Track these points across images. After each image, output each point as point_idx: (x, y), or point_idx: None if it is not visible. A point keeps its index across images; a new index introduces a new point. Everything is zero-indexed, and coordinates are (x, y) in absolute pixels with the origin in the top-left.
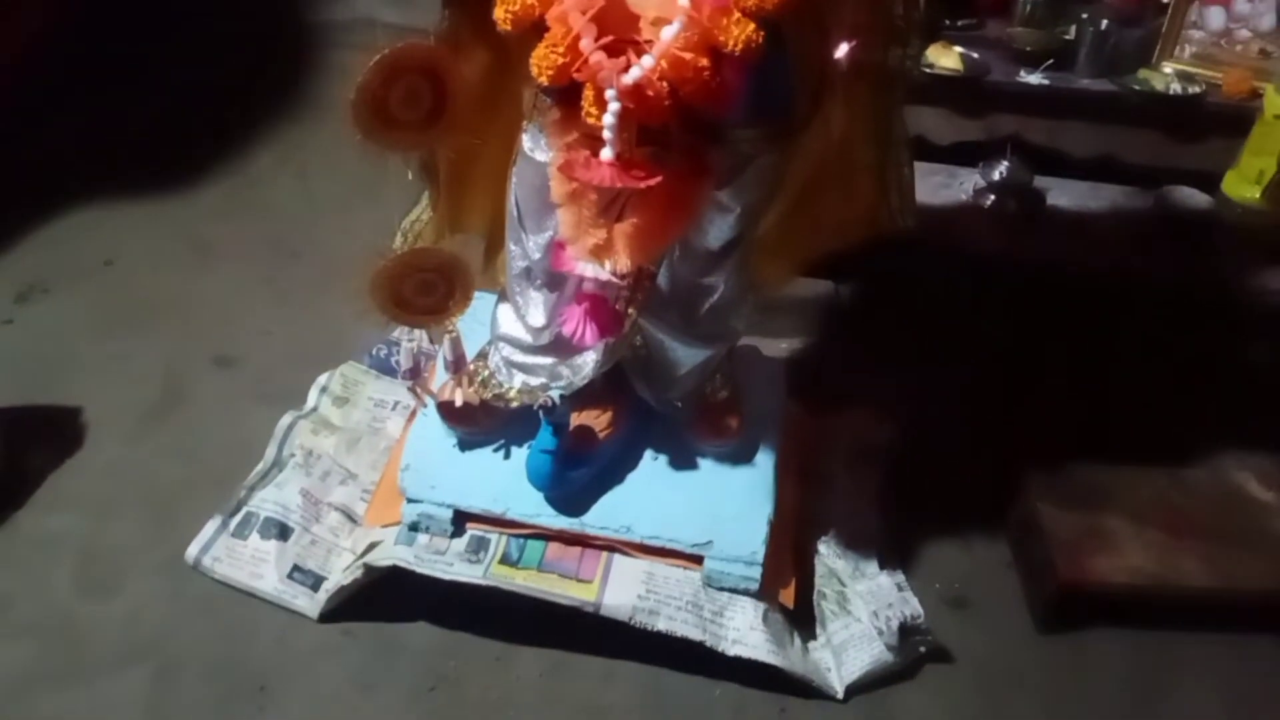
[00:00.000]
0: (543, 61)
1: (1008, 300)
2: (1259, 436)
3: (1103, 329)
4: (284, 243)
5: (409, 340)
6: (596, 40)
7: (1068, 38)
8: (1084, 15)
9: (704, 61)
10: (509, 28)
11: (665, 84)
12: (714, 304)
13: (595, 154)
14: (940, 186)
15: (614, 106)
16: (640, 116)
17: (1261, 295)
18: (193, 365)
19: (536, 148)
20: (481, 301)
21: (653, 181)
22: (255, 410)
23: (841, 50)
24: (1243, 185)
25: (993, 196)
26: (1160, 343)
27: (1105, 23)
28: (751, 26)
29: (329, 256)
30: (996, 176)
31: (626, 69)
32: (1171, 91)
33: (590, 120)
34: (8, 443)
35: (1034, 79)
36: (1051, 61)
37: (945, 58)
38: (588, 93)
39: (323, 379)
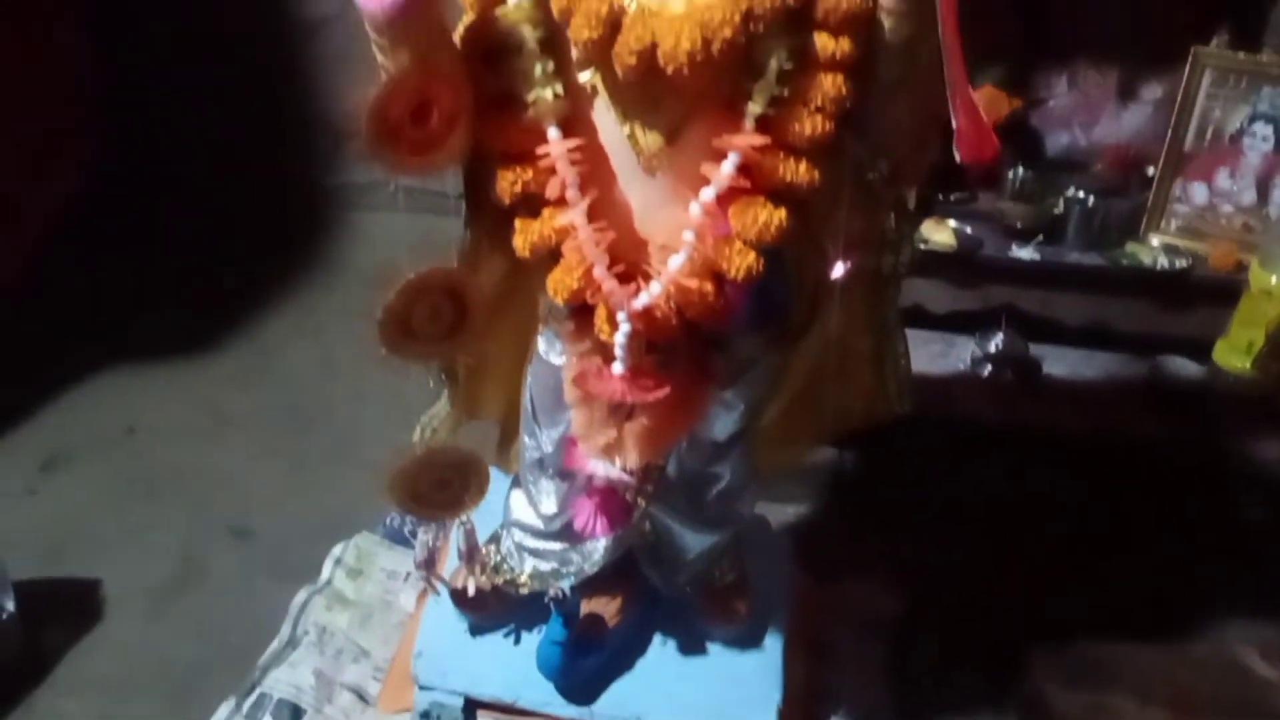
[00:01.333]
0: (559, 284)
1: (1007, 469)
2: (1261, 608)
3: (1102, 498)
4: (300, 409)
5: (424, 533)
6: (609, 268)
7: (1057, 211)
8: (1071, 191)
9: (709, 287)
10: (528, 254)
11: (672, 306)
12: (720, 491)
13: (607, 361)
14: (938, 355)
15: (625, 328)
16: (649, 335)
17: (1256, 463)
18: (210, 537)
19: (551, 350)
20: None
21: (661, 393)
22: (271, 585)
23: (838, 270)
24: (1233, 355)
25: (990, 366)
26: (1159, 512)
27: (1092, 199)
28: (753, 255)
29: (345, 423)
30: (993, 348)
31: (636, 294)
32: (1159, 266)
33: (603, 337)
34: (26, 619)
35: (1025, 254)
36: (1041, 238)
37: (939, 233)
38: (601, 311)
39: (337, 550)
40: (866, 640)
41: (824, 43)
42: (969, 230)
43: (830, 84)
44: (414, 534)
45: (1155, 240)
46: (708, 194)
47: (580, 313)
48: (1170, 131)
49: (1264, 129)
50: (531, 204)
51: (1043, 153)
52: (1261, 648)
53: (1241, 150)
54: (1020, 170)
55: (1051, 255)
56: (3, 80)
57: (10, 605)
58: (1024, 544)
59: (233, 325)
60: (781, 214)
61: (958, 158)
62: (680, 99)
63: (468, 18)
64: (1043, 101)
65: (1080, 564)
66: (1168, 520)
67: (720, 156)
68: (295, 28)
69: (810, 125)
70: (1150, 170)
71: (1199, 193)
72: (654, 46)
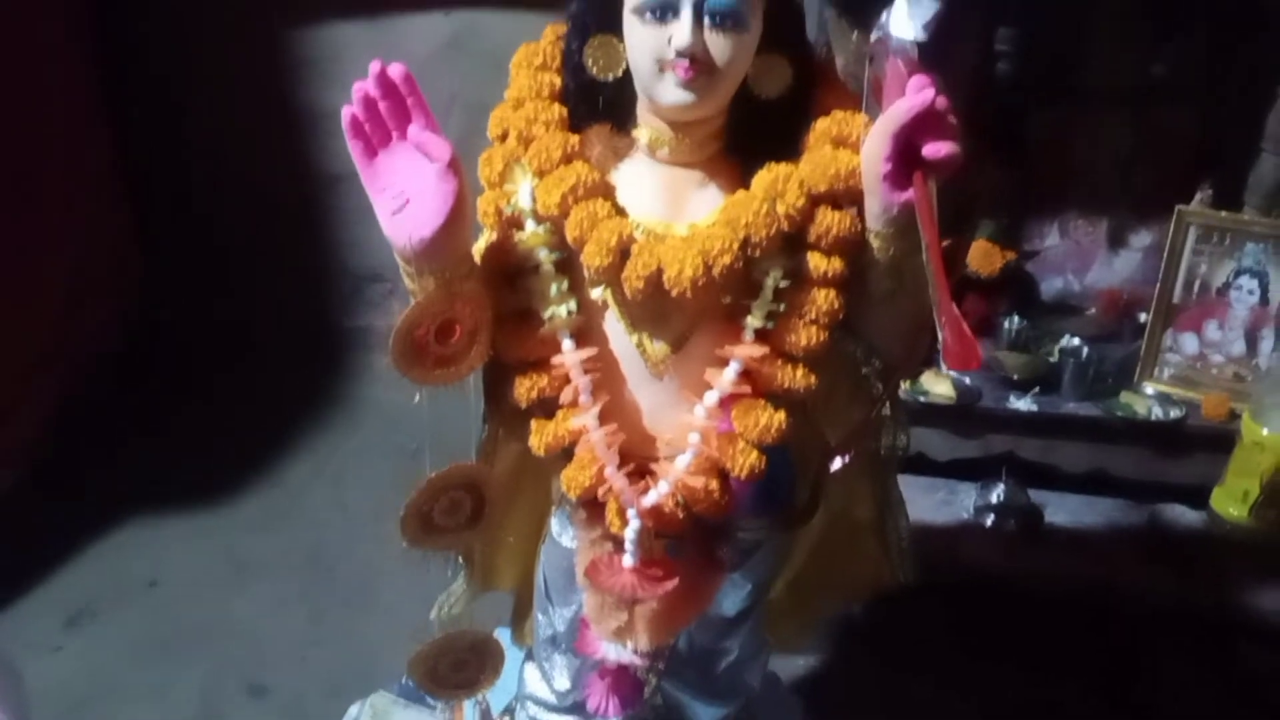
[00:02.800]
0: (572, 481)
1: (1012, 617)
2: None
3: (1105, 646)
4: (319, 556)
5: (441, 713)
6: (619, 467)
7: (1052, 360)
8: (1065, 339)
9: (714, 485)
10: (543, 453)
11: (680, 503)
12: (730, 664)
13: (617, 549)
14: (941, 504)
15: (635, 524)
16: (658, 529)
17: (1256, 611)
18: (227, 696)
19: (564, 534)
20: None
21: (670, 585)
22: None
23: (837, 464)
24: (1230, 503)
25: (992, 516)
26: (1162, 660)
27: (1085, 349)
28: (755, 454)
29: (363, 569)
30: (994, 498)
31: (645, 492)
32: (1153, 416)
33: (614, 530)
34: None
35: (1023, 405)
36: (1038, 389)
37: (939, 385)
38: (612, 505)
39: (353, 710)
40: None
41: (817, 262)
42: (967, 381)
43: (824, 299)
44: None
45: (1149, 389)
46: (711, 398)
47: (592, 503)
48: (1159, 284)
49: (1249, 282)
50: (547, 406)
51: (1038, 297)
52: None
53: (1229, 302)
54: (1015, 320)
55: (1048, 405)
56: (36, 237)
57: None
58: (1031, 692)
59: (253, 470)
60: (781, 416)
61: (944, 368)
62: (684, 313)
63: (487, 235)
64: (1036, 252)
65: (1085, 713)
66: (1171, 668)
67: (723, 363)
68: (318, 181)
69: (806, 336)
70: (1142, 316)
71: (1189, 343)
72: (660, 272)
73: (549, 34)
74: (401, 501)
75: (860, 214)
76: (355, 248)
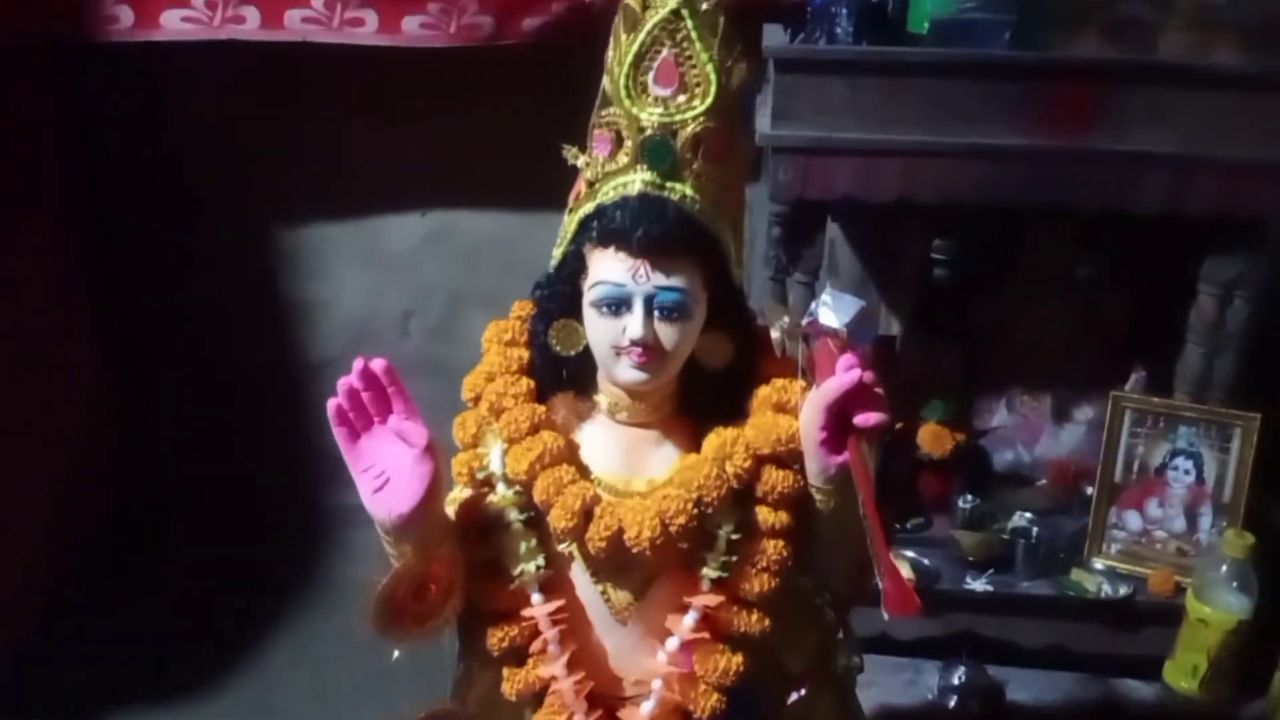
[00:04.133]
0: None
1: None
2: None
3: None
4: None
5: None
6: (588, 712)
7: (1005, 537)
8: (1016, 518)
9: None
10: (514, 699)
11: None
12: None
13: None
14: (907, 684)
15: None
16: None
17: None
18: None
19: None
20: None
21: None
22: None
23: (794, 698)
24: (1181, 677)
25: (955, 697)
26: None
27: (1035, 530)
28: (715, 695)
29: None
30: (956, 680)
31: None
32: (1103, 594)
33: None
34: None
35: (979, 585)
36: (992, 570)
37: (900, 567)
38: None
39: None
40: None
41: (765, 515)
42: (926, 562)
43: (773, 548)
44: None
45: (1098, 564)
46: (673, 644)
47: None
48: (1100, 465)
49: (1185, 463)
50: (518, 653)
51: (991, 471)
52: None
53: (1167, 481)
54: (969, 498)
55: (1003, 585)
56: (28, 428)
57: None
58: None
59: (234, 659)
60: (739, 658)
61: (885, 616)
62: (645, 565)
63: (459, 491)
64: (986, 431)
65: None
66: None
67: (683, 610)
68: (301, 368)
69: (759, 583)
70: (1089, 489)
71: (1133, 520)
72: (621, 531)
73: (516, 310)
74: None
75: (802, 471)
76: (331, 431)
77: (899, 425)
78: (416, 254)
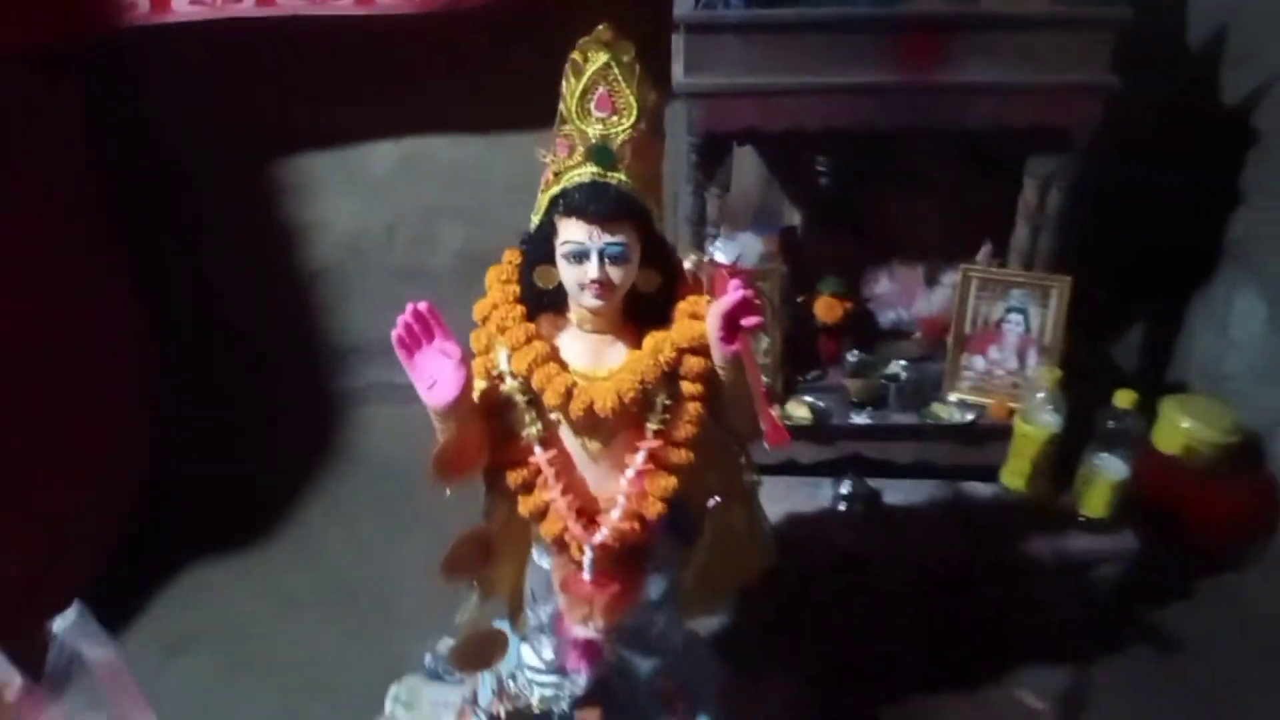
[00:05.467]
0: (547, 530)
1: (860, 578)
2: (1035, 660)
3: (928, 594)
4: (346, 585)
5: (469, 680)
6: (576, 520)
7: (883, 381)
8: (892, 366)
9: (636, 526)
10: (527, 516)
11: (616, 539)
12: (659, 631)
13: (579, 569)
14: (808, 496)
15: (589, 554)
16: (603, 555)
17: (1031, 556)
18: (300, 697)
19: (542, 559)
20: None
21: (614, 589)
22: None
23: (712, 503)
24: (1013, 479)
25: (844, 503)
26: (968, 598)
27: (904, 375)
28: (660, 504)
29: (382, 591)
30: (844, 490)
31: (594, 534)
32: (954, 420)
33: (575, 558)
34: None
35: (862, 419)
36: (872, 408)
37: (800, 410)
38: (573, 543)
39: (394, 689)
40: (774, 717)
41: (686, 387)
42: (821, 405)
43: (693, 408)
44: (449, 674)
45: (952, 397)
46: (630, 473)
47: (560, 542)
48: (954, 320)
49: (1016, 317)
50: (528, 485)
51: (877, 328)
52: (1035, 689)
53: (1003, 332)
54: (856, 353)
55: (880, 418)
56: (75, 338)
57: None
58: (879, 632)
59: (284, 520)
60: (674, 480)
61: (767, 447)
62: (609, 424)
63: (479, 384)
64: (871, 298)
65: (917, 641)
66: (974, 602)
67: (635, 451)
68: (304, 277)
69: (684, 431)
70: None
71: (979, 362)
72: (591, 404)
73: (508, 257)
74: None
75: (709, 357)
76: (335, 328)
77: (800, 299)
78: (395, 178)
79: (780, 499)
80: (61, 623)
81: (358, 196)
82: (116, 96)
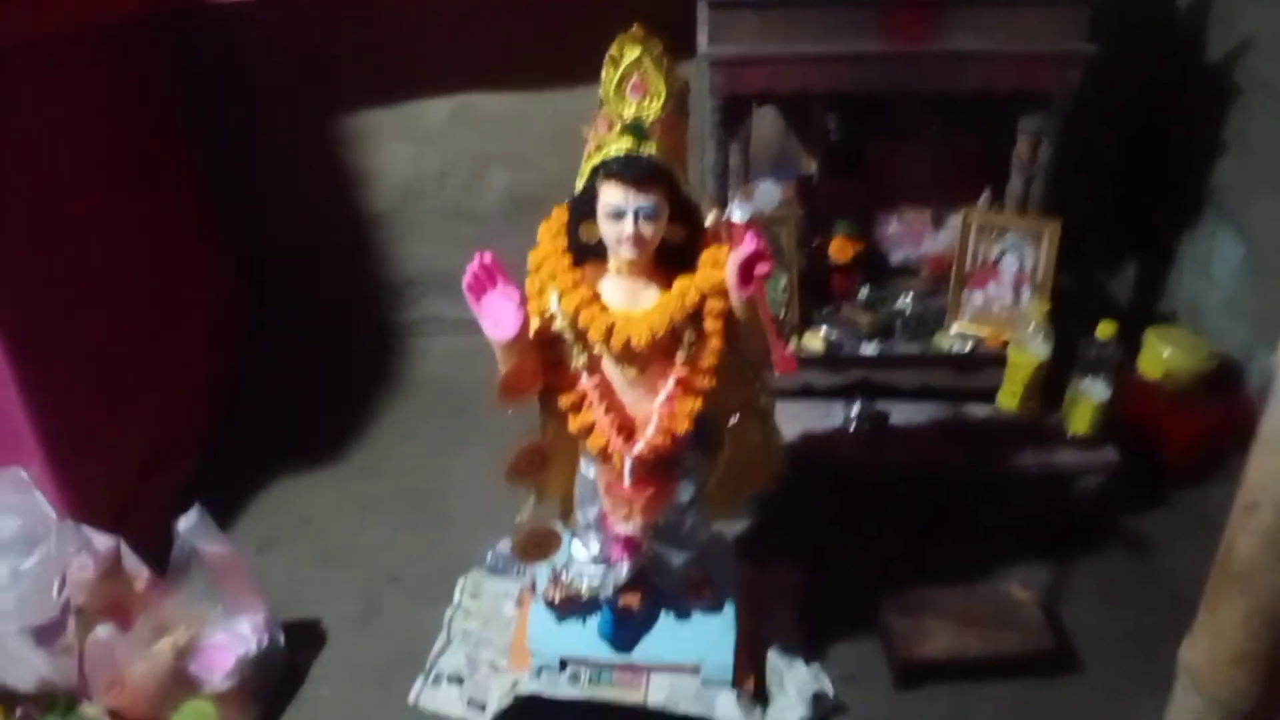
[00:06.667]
0: (593, 444)
1: (870, 489)
2: (1021, 557)
3: (928, 500)
4: (412, 493)
5: (529, 570)
6: (617, 434)
7: (891, 315)
8: (900, 300)
9: (668, 439)
10: (576, 431)
11: (651, 449)
12: (689, 528)
13: (620, 475)
14: (821, 418)
15: (628, 463)
16: (640, 463)
17: (1022, 467)
18: (377, 586)
19: (589, 469)
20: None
21: (650, 491)
22: (424, 609)
23: (733, 420)
24: (1007, 399)
25: (855, 423)
26: (963, 504)
27: (909, 308)
28: (687, 421)
29: (444, 498)
30: (854, 412)
31: (632, 446)
32: (954, 350)
33: (617, 466)
34: (287, 647)
35: (871, 349)
36: (878, 340)
37: (814, 341)
38: (615, 454)
39: (460, 581)
40: (787, 602)
41: (708, 325)
42: (834, 336)
43: (714, 342)
44: (508, 569)
45: (954, 328)
46: (662, 396)
47: (604, 453)
48: (956, 260)
49: (1011, 258)
50: (577, 406)
51: (888, 266)
52: (1020, 581)
53: (1000, 270)
54: (866, 289)
55: (887, 349)
56: (180, 297)
57: (281, 639)
58: (882, 534)
59: (354, 435)
60: (699, 402)
61: (776, 374)
62: (643, 356)
63: (535, 321)
64: (881, 238)
65: (915, 542)
66: (968, 508)
67: (666, 377)
68: (365, 219)
69: (707, 361)
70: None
71: (978, 297)
72: (629, 339)
73: (557, 213)
74: (504, 460)
75: (728, 299)
76: (395, 264)
77: (816, 241)
78: (446, 128)
79: (796, 420)
80: (185, 522)
81: (413, 145)
82: (203, 57)
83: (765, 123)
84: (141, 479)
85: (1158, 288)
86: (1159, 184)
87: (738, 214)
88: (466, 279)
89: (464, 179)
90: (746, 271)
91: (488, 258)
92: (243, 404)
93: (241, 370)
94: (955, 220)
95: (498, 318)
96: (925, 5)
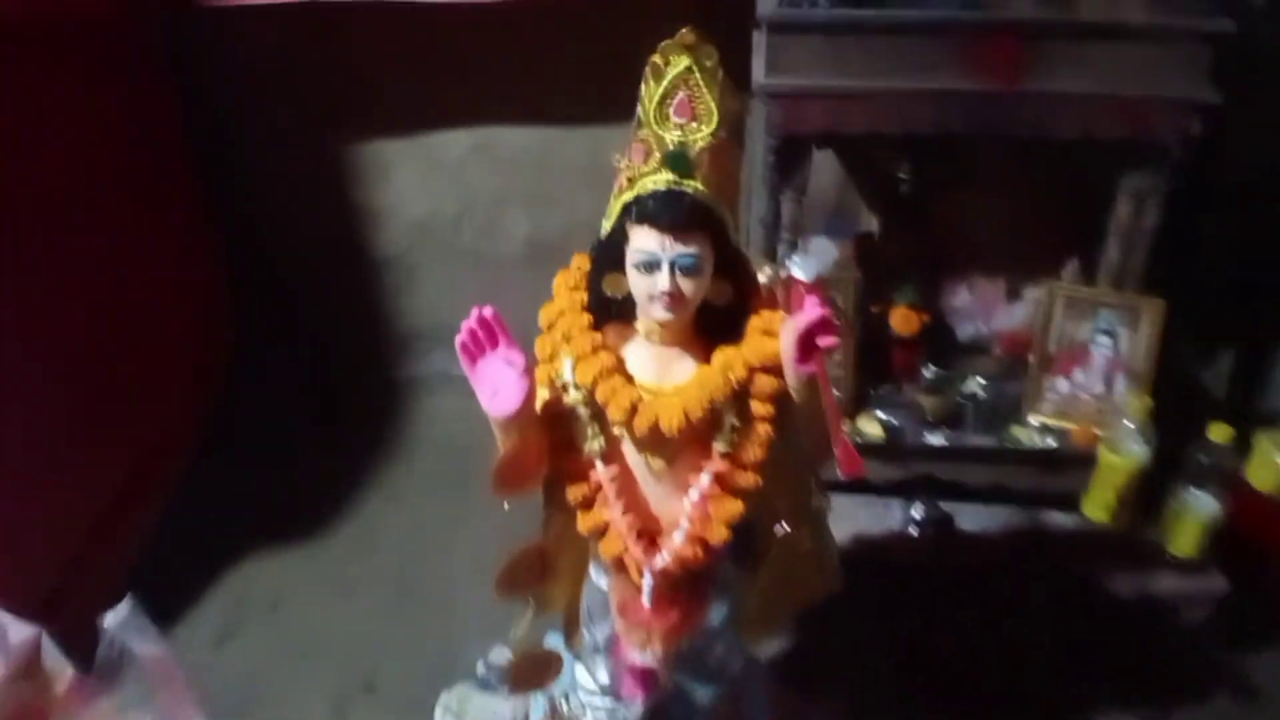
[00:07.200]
0: (606, 550)
1: (931, 603)
2: (1108, 704)
3: (999, 620)
4: (402, 574)
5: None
6: (636, 542)
7: (960, 400)
8: (969, 383)
9: (699, 551)
10: (586, 533)
11: (677, 563)
12: (718, 657)
13: (638, 593)
14: (877, 516)
15: (648, 579)
16: (663, 580)
17: (1113, 589)
18: (348, 694)
19: (600, 579)
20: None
21: (674, 616)
22: None
23: (779, 530)
24: (1095, 509)
25: (915, 527)
26: (1040, 626)
27: (983, 394)
28: (725, 530)
29: (438, 585)
30: (916, 513)
31: (654, 558)
32: (1035, 445)
33: (635, 580)
34: None
35: (936, 440)
36: (947, 428)
37: (871, 426)
38: (633, 566)
39: (443, 698)
40: None
41: (756, 407)
42: (894, 422)
43: (763, 430)
44: (500, 685)
45: (1033, 419)
46: (694, 494)
47: (619, 562)
48: (1037, 340)
49: (1104, 340)
50: (588, 502)
51: (954, 342)
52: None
53: (1090, 354)
54: (932, 368)
55: (956, 439)
56: (156, 327)
57: None
58: (941, 661)
59: (341, 507)
60: (740, 504)
61: (840, 474)
62: (674, 443)
63: (542, 393)
64: (948, 312)
65: (982, 674)
66: (1047, 639)
67: (701, 471)
68: (372, 263)
69: (752, 454)
70: (1031, 358)
71: (1063, 385)
72: (657, 421)
73: (576, 263)
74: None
75: (782, 376)
76: (401, 315)
77: (874, 308)
78: (466, 164)
79: (848, 519)
80: (113, 617)
81: (427, 181)
82: (194, 71)
83: (821, 169)
84: (86, 550)
85: (1263, 383)
86: (1266, 263)
87: (801, 271)
88: (461, 337)
89: (482, 221)
90: (808, 343)
91: (488, 312)
92: (215, 461)
93: (217, 424)
94: (1033, 293)
95: (496, 387)
96: (1021, 36)
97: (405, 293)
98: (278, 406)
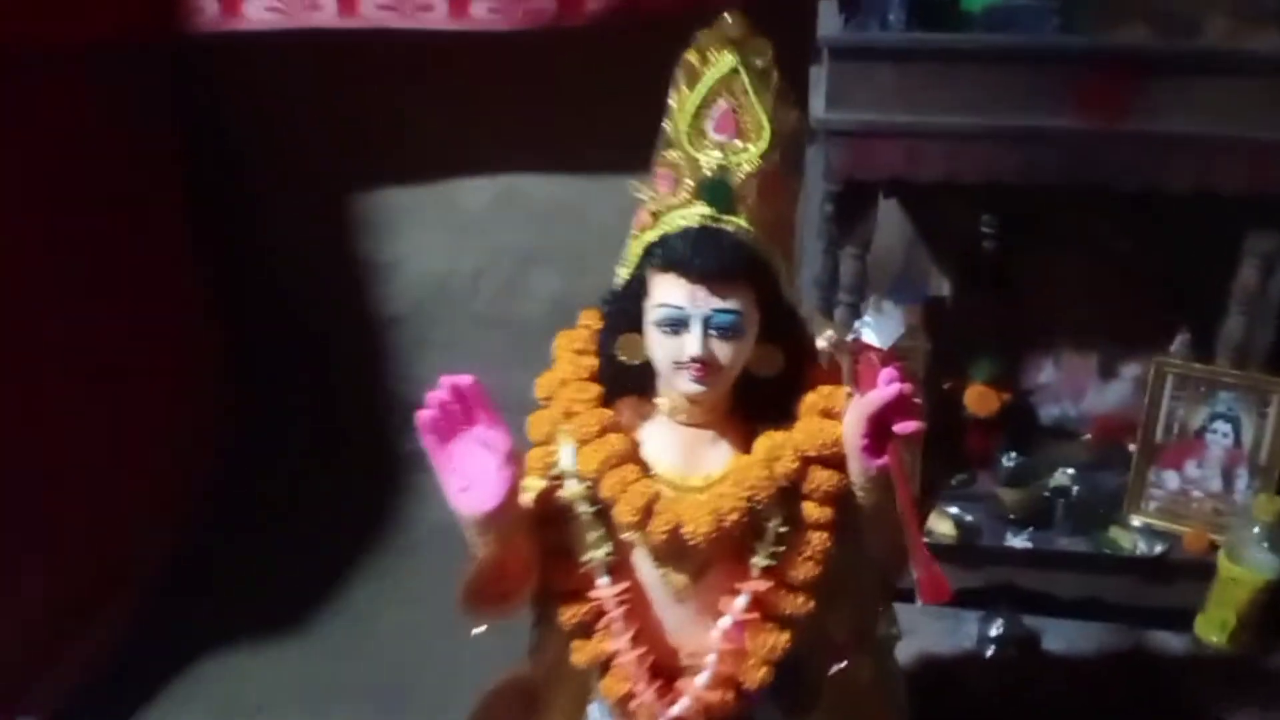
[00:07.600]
0: (610, 690)
1: None
2: None
3: None
4: (395, 675)
5: None
6: (650, 676)
7: (1046, 494)
8: (1058, 477)
9: (729, 696)
10: (583, 666)
11: (702, 710)
12: None
13: None
14: (947, 632)
15: None
16: None
17: None
18: None
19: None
20: None
21: None
22: None
23: (834, 669)
24: (1211, 630)
25: (993, 646)
26: None
27: (1075, 489)
28: (765, 669)
29: (436, 685)
30: (994, 631)
31: (672, 703)
32: (1138, 551)
33: None
34: None
35: (1019, 542)
36: (1032, 528)
37: (942, 524)
38: (643, 713)
39: None
40: None
41: (810, 510)
42: (968, 519)
43: (817, 540)
44: None
45: (1136, 520)
46: (726, 622)
47: (623, 704)
48: (1141, 426)
49: (1223, 426)
50: (587, 627)
51: (1037, 426)
52: None
53: (1206, 444)
54: (1012, 455)
55: (1042, 542)
56: (146, 391)
57: None
58: None
59: (328, 600)
60: (785, 636)
61: (919, 602)
62: (701, 554)
63: (534, 484)
64: (1032, 390)
65: None
66: None
67: (735, 593)
68: (377, 323)
69: (804, 570)
70: (1131, 446)
71: (1172, 479)
72: (679, 526)
73: (583, 320)
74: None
75: (845, 470)
76: (407, 381)
77: (946, 385)
78: (487, 216)
79: (912, 634)
80: None
81: (444, 234)
82: (196, 107)
83: (886, 222)
84: (48, 644)
85: None
86: None
87: (875, 335)
88: (426, 411)
89: (503, 280)
90: (882, 429)
91: (464, 381)
92: (196, 545)
93: (201, 502)
94: (1132, 370)
95: (471, 478)
96: (1126, 67)
97: (414, 356)
98: (273, 481)
